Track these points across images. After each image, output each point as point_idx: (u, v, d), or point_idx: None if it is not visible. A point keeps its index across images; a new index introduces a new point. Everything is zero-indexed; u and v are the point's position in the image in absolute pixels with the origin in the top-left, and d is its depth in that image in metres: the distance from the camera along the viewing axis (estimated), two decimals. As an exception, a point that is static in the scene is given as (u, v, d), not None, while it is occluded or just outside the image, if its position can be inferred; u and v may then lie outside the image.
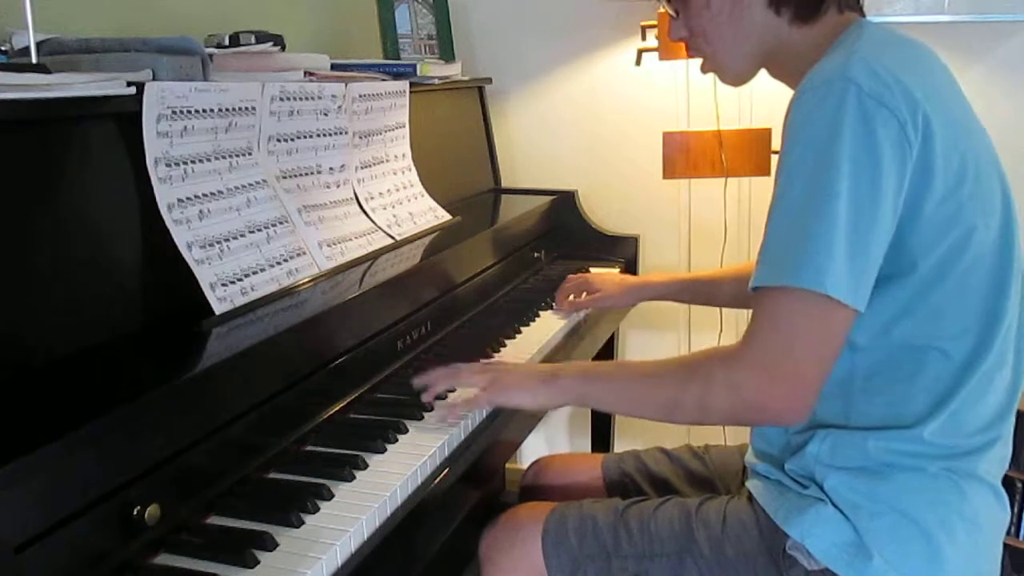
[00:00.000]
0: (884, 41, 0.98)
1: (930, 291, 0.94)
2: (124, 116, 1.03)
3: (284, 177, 1.29)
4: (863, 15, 1.07)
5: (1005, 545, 1.03)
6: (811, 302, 0.88)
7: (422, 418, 1.15)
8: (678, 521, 1.10)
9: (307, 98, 1.34)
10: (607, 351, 2.11)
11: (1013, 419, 1.04)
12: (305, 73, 1.45)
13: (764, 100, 2.03)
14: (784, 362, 0.90)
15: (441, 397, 1.19)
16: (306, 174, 1.35)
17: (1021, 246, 1.02)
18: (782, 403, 0.91)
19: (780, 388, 0.90)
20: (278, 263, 1.21)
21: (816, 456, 1.01)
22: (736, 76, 1.12)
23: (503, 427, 1.22)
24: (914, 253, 0.93)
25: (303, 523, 0.90)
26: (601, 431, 2.19)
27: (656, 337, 2.34)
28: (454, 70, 1.94)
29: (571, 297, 1.65)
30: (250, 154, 1.23)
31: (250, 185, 1.21)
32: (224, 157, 1.17)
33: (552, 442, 2.53)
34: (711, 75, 1.15)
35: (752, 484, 1.09)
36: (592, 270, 1.95)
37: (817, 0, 1.02)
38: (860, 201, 0.88)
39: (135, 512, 0.80)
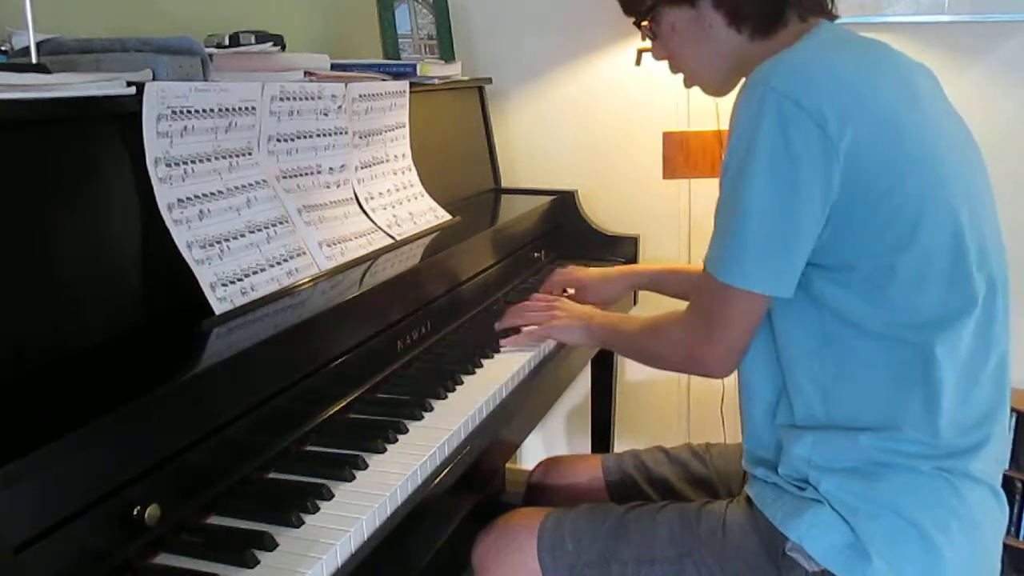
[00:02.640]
0: (829, 45, 1.02)
1: (879, 287, 0.97)
2: (124, 116, 1.03)
3: (284, 177, 1.29)
4: (831, 18, 1.09)
5: (1005, 545, 1.03)
6: (732, 290, 1.00)
7: (422, 418, 1.15)
8: (678, 524, 1.10)
9: (307, 98, 1.34)
10: (607, 367, 2.12)
11: (1006, 419, 1.04)
12: (305, 73, 1.45)
13: (764, 100, 2.03)
14: (712, 330, 1.04)
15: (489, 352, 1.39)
16: (306, 174, 1.35)
17: (997, 241, 1.04)
18: (711, 359, 1.05)
19: (708, 348, 1.05)
20: (278, 263, 1.21)
21: (807, 459, 1.01)
22: (716, 90, 1.18)
23: (503, 427, 1.22)
24: (848, 254, 0.97)
25: (303, 523, 0.90)
26: (601, 431, 2.19)
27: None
28: (454, 70, 1.94)
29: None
30: (250, 154, 1.23)
31: (250, 185, 1.21)
32: (224, 157, 1.17)
33: (551, 443, 2.53)
34: None
35: (751, 488, 1.09)
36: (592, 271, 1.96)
37: (773, 15, 1.06)
38: (775, 203, 0.94)
39: (135, 512, 0.80)
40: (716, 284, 1.00)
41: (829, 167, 0.93)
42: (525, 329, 1.41)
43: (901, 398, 0.98)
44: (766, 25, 1.06)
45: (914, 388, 0.98)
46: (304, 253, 1.27)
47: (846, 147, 0.92)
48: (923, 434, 0.98)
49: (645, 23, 1.17)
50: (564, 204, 2.08)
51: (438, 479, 1.04)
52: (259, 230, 1.20)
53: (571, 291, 1.62)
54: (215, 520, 0.91)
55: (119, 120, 1.03)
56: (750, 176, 0.95)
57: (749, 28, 1.07)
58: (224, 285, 1.11)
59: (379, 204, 1.52)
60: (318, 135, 1.38)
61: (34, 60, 1.06)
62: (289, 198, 1.28)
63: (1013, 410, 1.98)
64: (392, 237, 1.49)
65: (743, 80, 1.07)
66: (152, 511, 0.81)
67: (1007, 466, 2.01)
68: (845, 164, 0.93)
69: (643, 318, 1.23)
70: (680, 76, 1.18)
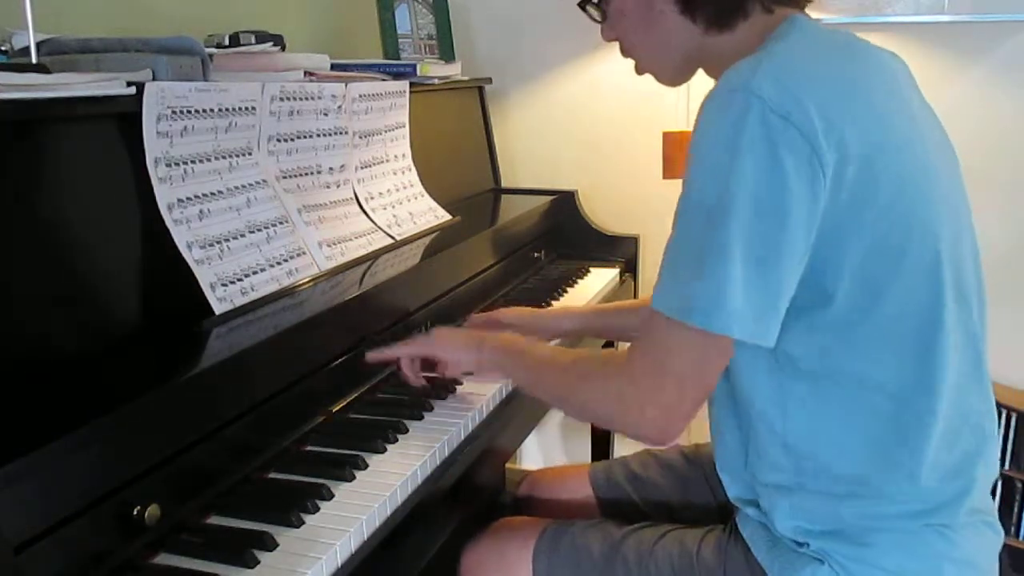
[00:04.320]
0: (807, 45, 0.91)
1: (853, 327, 0.88)
2: (124, 116, 1.03)
3: (284, 177, 1.29)
4: (800, 8, 0.97)
5: (1005, 545, 1.02)
6: (696, 337, 0.85)
7: (422, 418, 1.15)
8: (678, 560, 1.05)
9: (307, 98, 1.34)
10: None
11: (986, 465, 0.97)
12: (305, 73, 1.45)
13: (764, 100, 2.03)
14: (663, 384, 0.88)
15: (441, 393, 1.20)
16: (306, 174, 1.35)
17: (978, 279, 0.96)
18: (655, 419, 0.89)
19: (655, 405, 0.89)
20: (278, 263, 1.21)
21: (791, 525, 0.96)
22: (669, 79, 1.08)
23: (503, 427, 1.22)
24: (828, 284, 0.86)
25: (303, 523, 0.90)
26: (601, 436, 2.18)
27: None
28: (454, 70, 1.94)
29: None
30: (250, 154, 1.23)
31: (250, 185, 1.21)
32: (224, 157, 1.17)
33: (550, 444, 2.52)
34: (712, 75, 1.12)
35: (743, 527, 1.03)
36: (592, 270, 1.96)
37: (731, 6, 0.95)
38: (761, 235, 0.81)
39: (135, 512, 0.80)
40: (679, 330, 0.85)
41: (816, 189, 0.82)
42: (400, 351, 1.20)
43: (871, 457, 0.91)
44: (723, 16, 0.96)
45: (883, 444, 0.90)
46: (304, 253, 1.27)
47: (834, 166, 0.82)
48: (906, 494, 0.91)
49: (592, 2, 1.09)
50: (564, 204, 2.08)
51: (438, 479, 1.04)
52: (259, 230, 1.20)
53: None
54: (215, 520, 0.91)
55: (119, 120, 1.03)
56: (731, 199, 0.81)
57: (704, 19, 0.97)
58: (224, 285, 1.11)
59: (379, 204, 1.52)
60: (318, 135, 1.38)
61: (34, 60, 1.06)
62: (289, 198, 1.28)
63: (1013, 410, 1.99)
64: (392, 237, 1.49)
65: (701, 72, 1.00)
66: (152, 511, 0.81)
67: (1000, 470, 2.01)
68: (832, 185, 0.82)
69: (567, 352, 1.07)
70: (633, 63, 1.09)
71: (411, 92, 1.63)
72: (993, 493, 1.02)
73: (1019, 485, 1.97)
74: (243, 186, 1.20)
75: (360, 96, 1.47)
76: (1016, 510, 1.99)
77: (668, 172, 2.05)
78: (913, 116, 0.94)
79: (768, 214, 0.81)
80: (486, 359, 1.14)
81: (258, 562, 0.84)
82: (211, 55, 1.23)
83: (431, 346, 1.19)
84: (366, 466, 1.02)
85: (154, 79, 1.09)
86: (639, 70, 1.09)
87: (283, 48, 1.47)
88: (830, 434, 0.92)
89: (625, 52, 1.09)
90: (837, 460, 0.93)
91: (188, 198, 1.10)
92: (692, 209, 0.86)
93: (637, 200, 2.25)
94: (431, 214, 1.65)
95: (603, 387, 0.94)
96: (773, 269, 0.83)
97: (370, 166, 1.52)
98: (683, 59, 1.03)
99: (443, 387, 1.23)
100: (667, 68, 1.06)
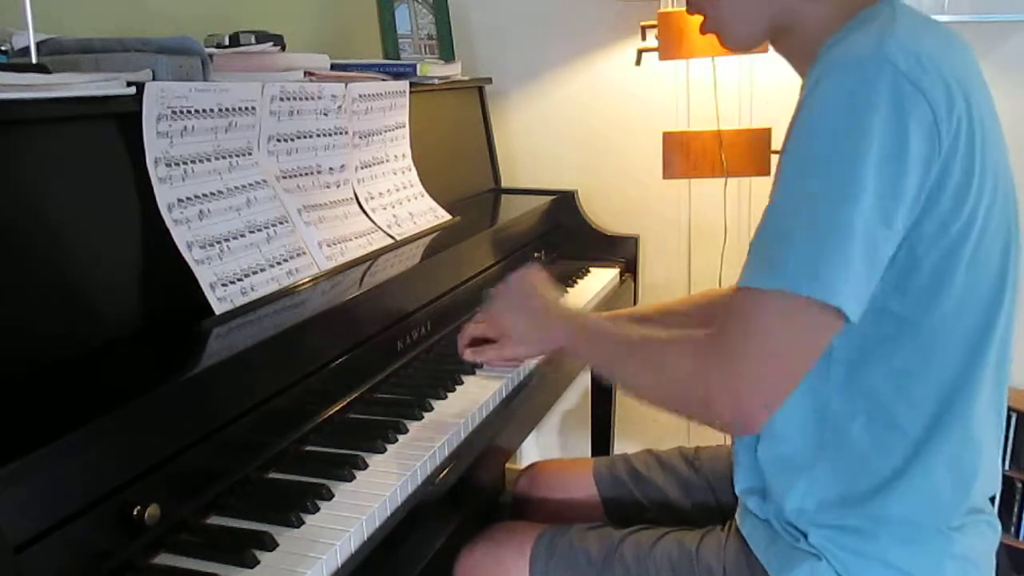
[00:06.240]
0: (921, 25, 0.87)
1: (919, 320, 0.86)
2: (124, 116, 1.03)
3: (284, 177, 1.29)
4: None
5: (1005, 545, 1.02)
6: (812, 313, 0.79)
7: (422, 418, 1.15)
8: (677, 559, 1.05)
9: (307, 98, 1.34)
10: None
11: (988, 465, 0.97)
12: (305, 73, 1.45)
13: (764, 100, 2.03)
14: (762, 373, 0.81)
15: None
16: (306, 174, 1.35)
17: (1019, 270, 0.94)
18: (748, 402, 0.82)
19: (748, 386, 0.82)
20: (278, 263, 1.21)
21: (800, 511, 0.96)
22: (737, 43, 0.99)
23: (503, 427, 1.22)
24: (915, 247, 0.83)
25: (303, 523, 0.90)
26: (600, 432, 2.18)
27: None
28: (454, 70, 1.94)
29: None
30: (250, 154, 1.23)
31: (250, 185, 1.21)
32: (224, 157, 1.17)
33: (550, 443, 2.53)
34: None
35: (743, 523, 1.04)
36: (592, 271, 1.96)
37: None
38: (882, 205, 0.78)
39: (135, 512, 0.80)
40: (776, 304, 0.80)
41: (929, 172, 0.80)
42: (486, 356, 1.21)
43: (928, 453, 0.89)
44: None
45: (947, 437, 0.89)
46: (304, 253, 1.27)
47: (949, 141, 0.80)
48: (945, 498, 0.91)
49: None
50: (564, 204, 2.08)
51: (438, 479, 1.04)
52: (259, 230, 1.20)
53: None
54: (215, 520, 0.91)
55: (119, 120, 1.03)
56: (858, 172, 0.77)
57: None
58: (224, 285, 1.11)
59: (379, 204, 1.52)
60: (318, 135, 1.38)
61: (34, 60, 1.06)
62: (289, 198, 1.28)
63: (1013, 410, 1.98)
64: (392, 237, 1.49)
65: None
66: (152, 511, 0.81)
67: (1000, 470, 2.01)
68: (944, 161, 0.80)
69: (638, 334, 0.97)
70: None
71: (411, 92, 1.63)
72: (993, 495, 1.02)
73: (1019, 485, 1.98)
74: (243, 186, 1.20)
75: (360, 96, 1.47)
76: (1016, 510, 1.99)
77: (668, 172, 2.05)
78: (996, 111, 0.92)
79: (890, 186, 0.78)
80: (553, 341, 1.09)
81: (258, 562, 0.84)
82: (211, 55, 1.23)
83: (508, 349, 1.18)
84: (366, 466, 1.02)
85: (154, 79, 1.09)
86: (703, 29, 1.01)
87: (283, 48, 1.47)
88: (875, 430, 0.90)
89: (693, 7, 1.01)
90: (865, 456, 0.91)
91: (188, 198, 1.10)
92: (809, 184, 0.80)
93: (637, 200, 2.25)
94: (431, 214, 1.65)
95: (694, 372, 0.85)
96: (885, 247, 0.80)
97: (370, 166, 1.52)
98: (764, 22, 0.95)
99: (443, 387, 1.24)
100: (741, 29, 0.98)
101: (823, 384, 0.91)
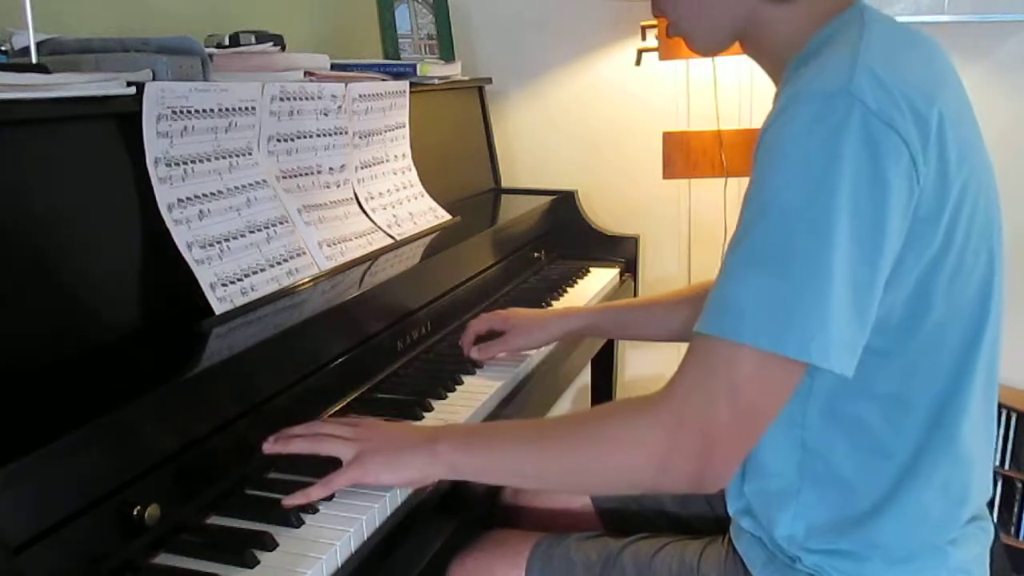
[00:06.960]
0: (889, 37, 0.83)
1: (899, 351, 0.84)
2: (124, 116, 1.03)
3: (284, 177, 1.29)
4: None
5: (1005, 545, 1.02)
6: (786, 366, 0.76)
7: (422, 418, 1.15)
8: (677, 573, 1.03)
9: (307, 98, 1.34)
10: (607, 366, 2.12)
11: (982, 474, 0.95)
12: (305, 73, 1.45)
13: (764, 100, 2.03)
14: (732, 426, 0.78)
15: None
16: (306, 174, 1.35)
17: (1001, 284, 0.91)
18: (713, 470, 0.79)
19: (719, 454, 0.78)
20: (278, 263, 1.21)
21: (791, 537, 0.94)
22: (703, 46, 0.97)
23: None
24: (892, 302, 0.81)
25: (303, 523, 0.90)
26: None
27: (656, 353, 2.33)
28: (454, 70, 1.94)
29: (476, 348, 1.31)
30: (250, 154, 1.23)
31: (250, 185, 1.21)
32: (224, 157, 1.17)
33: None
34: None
35: (738, 540, 1.02)
36: (592, 271, 1.96)
37: None
38: (862, 250, 0.75)
39: (135, 512, 0.80)
40: (743, 357, 0.76)
41: (909, 208, 0.77)
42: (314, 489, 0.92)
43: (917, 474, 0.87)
44: None
45: (937, 464, 0.87)
46: (304, 253, 1.27)
47: (925, 172, 0.77)
48: (938, 518, 0.89)
49: None
50: (564, 204, 2.08)
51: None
52: (259, 230, 1.20)
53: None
54: (215, 520, 0.91)
55: (119, 120, 1.03)
56: (830, 217, 0.73)
57: None
58: (224, 285, 1.11)
59: (379, 204, 1.52)
60: (318, 135, 1.38)
61: (34, 60, 1.06)
62: (289, 198, 1.28)
63: (1013, 410, 1.99)
64: (392, 237, 1.49)
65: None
66: (152, 511, 0.81)
67: (1000, 470, 2.01)
68: (919, 198, 0.78)
69: (546, 422, 0.91)
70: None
71: (411, 92, 1.63)
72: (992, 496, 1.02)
73: (1019, 485, 1.98)
74: (243, 186, 1.20)
75: (360, 96, 1.47)
76: (1016, 510, 1.99)
77: (668, 172, 2.05)
78: (973, 113, 0.89)
79: (868, 229, 0.75)
80: (441, 465, 0.92)
81: (258, 562, 0.84)
82: (211, 55, 1.23)
83: (356, 474, 0.92)
84: (366, 466, 1.02)
85: (154, 79, 1.09)
86: (671, 31, 0.98)
87: (283, 48, 1.47)
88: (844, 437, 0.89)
89: (656, 10, 0.98)
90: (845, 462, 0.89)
91: (188, 198, 1.10)
92: (776, 229, 0.76)
93: (637, 200, 2.26)
94: (431, 214, 1.65)
95: (647, 435, 0.80)
96: (871, 292, 0.77)
97: (370, 166, 1.52)
98: (729, 25, 0.93)
99: (443, 387, 1.23)
100: (707, 32, 0.95)
101: (802, 415, 0.89)
